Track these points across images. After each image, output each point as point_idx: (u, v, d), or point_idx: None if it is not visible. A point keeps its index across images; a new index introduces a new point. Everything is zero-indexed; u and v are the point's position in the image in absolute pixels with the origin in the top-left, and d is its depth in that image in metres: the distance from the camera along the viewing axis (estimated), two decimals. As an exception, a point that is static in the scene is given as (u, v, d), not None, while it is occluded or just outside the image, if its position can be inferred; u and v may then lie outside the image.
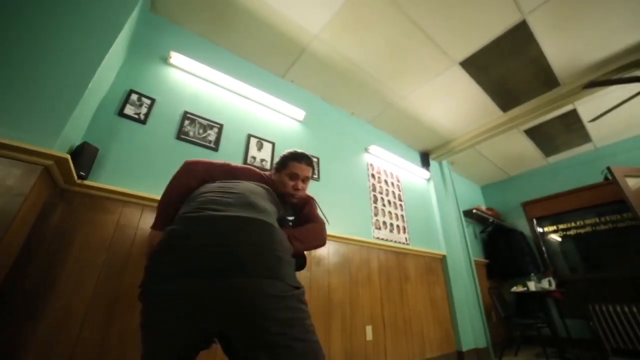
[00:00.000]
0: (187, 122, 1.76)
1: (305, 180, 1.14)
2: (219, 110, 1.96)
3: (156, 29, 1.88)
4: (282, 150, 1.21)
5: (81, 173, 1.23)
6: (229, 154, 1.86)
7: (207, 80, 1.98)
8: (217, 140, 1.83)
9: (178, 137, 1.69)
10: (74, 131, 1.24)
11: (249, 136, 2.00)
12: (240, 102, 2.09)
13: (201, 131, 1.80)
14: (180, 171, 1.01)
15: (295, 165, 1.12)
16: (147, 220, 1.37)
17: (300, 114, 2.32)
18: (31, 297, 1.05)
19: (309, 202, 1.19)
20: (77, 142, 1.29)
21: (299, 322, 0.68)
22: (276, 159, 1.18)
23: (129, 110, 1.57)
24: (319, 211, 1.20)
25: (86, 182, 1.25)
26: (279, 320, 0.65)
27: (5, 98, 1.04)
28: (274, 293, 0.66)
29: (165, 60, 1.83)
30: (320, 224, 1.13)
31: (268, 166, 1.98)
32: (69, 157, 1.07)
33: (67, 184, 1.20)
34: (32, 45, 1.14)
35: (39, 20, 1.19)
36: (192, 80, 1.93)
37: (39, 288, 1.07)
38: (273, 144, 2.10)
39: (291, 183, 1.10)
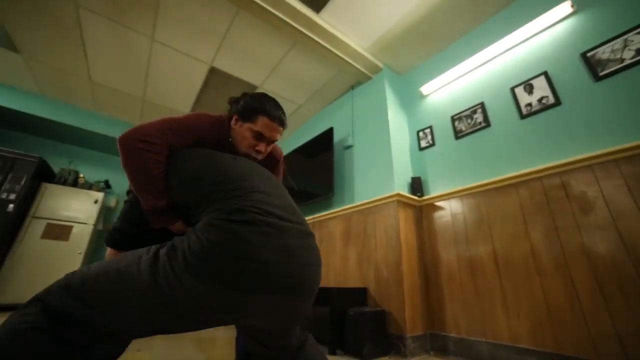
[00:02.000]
0: (456, 122, 2.18)
1: (270, 143, 0.94)
2: (471, 95, 2.15)
3: (401, 84, 2.72)
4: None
5: (418, 194, 2.19)
6: (503, 119, 1.90)
7: (446, 85, 2.33)
8: (486, 117, 2.00)
9: (457, 137, 2.15)
10: (404, 175, 2.27)
11: (512, 89, 1.88)
12: (476, 74, 2.13)
13: (469, 120, 2.10)
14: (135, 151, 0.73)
15: (265, 122, 0.88)
16: (455, 205, 1.93)
17: (564, 6, 1.70)
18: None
19: (278, 162, 1.02)
20: (408, 179, 2.31)
21: None
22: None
23: (423, 143, 2.40)
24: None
25: (423, 197, 2.17)
26: None
27: (372, 178, 2.34)
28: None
29: (421, 95, 2.52)
30: None
31: (551, 101, 1.67)
32: (401, 192, 2.08)
33: (416, 202, 2.19)
34: (368, 163, 2.47)
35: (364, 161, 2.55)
36: (439, 93, 2.39)
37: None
38: (544, 72, 1.74)
39: (252, 142, 0.89)
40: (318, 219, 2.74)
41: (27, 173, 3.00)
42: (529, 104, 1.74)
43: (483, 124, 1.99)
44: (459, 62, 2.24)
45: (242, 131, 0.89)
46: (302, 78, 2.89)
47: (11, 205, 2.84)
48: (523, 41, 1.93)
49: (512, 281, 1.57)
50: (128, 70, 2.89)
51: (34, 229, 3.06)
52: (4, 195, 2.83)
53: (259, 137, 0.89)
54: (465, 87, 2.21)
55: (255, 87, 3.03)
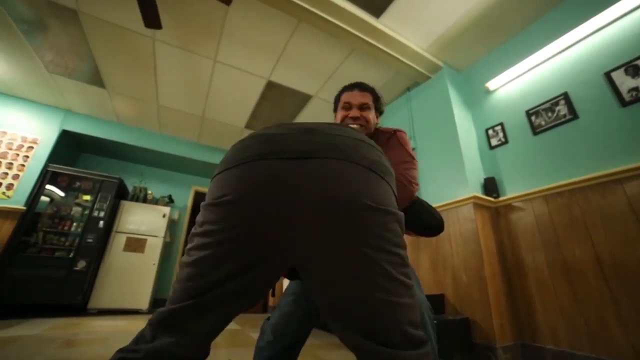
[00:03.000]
0: (533, 117, 2.04)
1: (364, 108, 0.95)
2: (549, 87, 1.99)
3: (462, 81, 2.60)
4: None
5: (494, 195, 2.07)
6: (595, 110, 1.74)
7: (517, 78, 2.19)
8: (571, 109, 1.84)
9: (535, 133, 2.01)
10: (475, 176, 2.17)
11: (607, 74, 1.71)
12: (555, 62, 1.98)
13: (550, 114, 1.95)
14: None
15: (345, 96, 0.97)
16: (539, 206, 1.79)
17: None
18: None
19: (392, 136, 0.95)
20: (481, 180, 2.20)
21: None
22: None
23: (494, 141, 2.27)
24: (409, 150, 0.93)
25: (500, 198, 2.05)
26: None
27: (442, 180, 2.27)
28: None
29: (487, 91, 2.40)
30: (399, 176, 0.82)
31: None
32: (476, 194, 1.99)
33: (492, 204, 2.08)
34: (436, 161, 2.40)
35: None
36: (508, 88, 2.25)
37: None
38: (648, 55, 1.56)
39: (344, 114, 0.95)
40: None
41: (110, 193, 3.37)
42: (635, 89, 1.57)
43: (568, 116, 1.84)
44: (531, 53, 2.09)
45: (338, 116, 1.00)
46: (357, 84, 2.90)
47: (101, 222, 3.19)
48: (619, 17, 1.72)
49: (627, 290, 1.42)
50: (191, 91, 3.12)
51: (118, 243, 3.41)
52: (95, 214, 3.20)
53: (347, 107, 0.97)
54: (541, 78, 2.06)
55: (310, 96, 3.11)
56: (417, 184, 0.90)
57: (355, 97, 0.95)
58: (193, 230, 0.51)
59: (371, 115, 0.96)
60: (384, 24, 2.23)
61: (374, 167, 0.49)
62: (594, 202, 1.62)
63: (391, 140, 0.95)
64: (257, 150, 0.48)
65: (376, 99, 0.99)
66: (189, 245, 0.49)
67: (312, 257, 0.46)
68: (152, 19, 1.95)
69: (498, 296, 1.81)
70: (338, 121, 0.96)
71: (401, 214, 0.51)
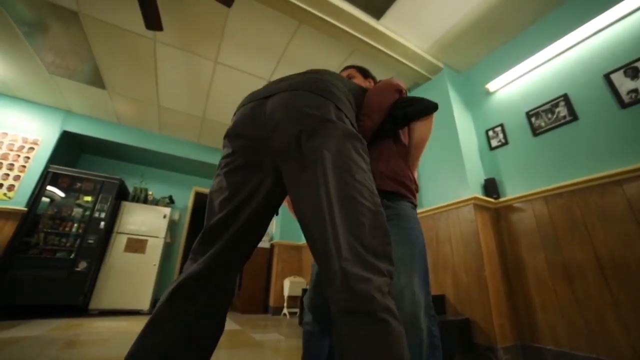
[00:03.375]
0: (533, 118, 2.05)
1: (349, 78, 1.11)
2: (549, 88, 2.00)
3: (463, 82, 2.61)
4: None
5: (494, 196, 2.08)
6: (595, 111, 1.75)
7: (516, 79, 2.20)
8: (571, 110, 1.85)
9: (535, 134, 2.01)
10: (476, 178, 2.18)
11: (606, 76, 1.72)
12: (555, 64, 1.98)
13: (550, 115, 1.96)
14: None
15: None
16: (539, 207, 1.80)
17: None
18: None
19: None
20: (481, 181, 2.20)
21: None
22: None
23: (494, 142, 2.28)
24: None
25: (500, 200, 2.06)
26: None
27: (442, 182, 2.28)
28: None
29: (487, 92, 2.41)
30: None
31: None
32: (477, 195, 1.99)
33: (492, 204, 2.09)
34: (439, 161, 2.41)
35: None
36: (508, 89, 2.26)
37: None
38: (648, 56, 1.57)
39: None
40: None
41: (111, 194, 3.37)
42: (634, 90, 1.57)
43: (568, 118, 1.85)
44: (531, 54, 2.10)
45: None
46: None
47: (102, 223, 3.19)
48: (619, 19, 1.73)
49: (627, 291, 1.43)
50: (191, 92, 3.12)
51: (118, 244, 3.42)
52: (96, 214, 3.20)
53: None
54: (541, 80, 2.07)
55: (309, 98, 3.11)
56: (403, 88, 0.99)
57: (343, 72, 1.17)
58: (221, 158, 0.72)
59: (357, 80, 1.13)
60: (384, 25, 2.24)
61: (314, 89, 0.66)
62: (594, 203, 1.63)
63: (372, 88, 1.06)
64: (247, 99, 0.71)
65: (361, 70, 1.18)
66: (217, 171, 0.70)
67: (281, 147, 0.61)
68: (153, 21, 1.95)
69: (498, 297, 1.82)
70: None
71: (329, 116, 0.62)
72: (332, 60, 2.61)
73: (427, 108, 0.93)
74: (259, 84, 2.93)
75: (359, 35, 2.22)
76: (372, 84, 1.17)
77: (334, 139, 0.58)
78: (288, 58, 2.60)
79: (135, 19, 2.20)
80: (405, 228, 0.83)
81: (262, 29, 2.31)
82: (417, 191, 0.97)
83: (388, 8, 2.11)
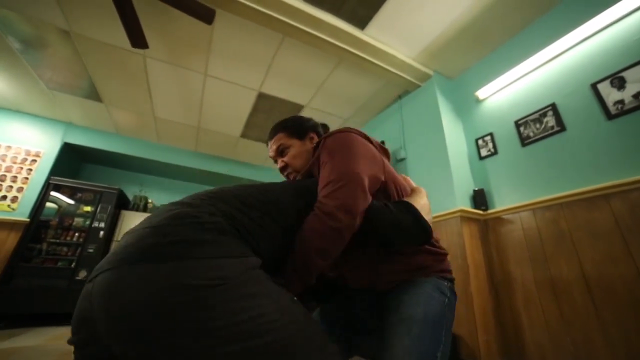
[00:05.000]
0: (521, 128, 2.00)
1: (282, 152, 0.87)
2: (538, 97, 1.94)
3: (454, 89, 2.56)
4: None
5: (482, 207, 2.04)
6: (582, 122, 1.69)
7: (506, 86, 2.15)
8: (559, 120, 1.79)
9: (523, 145, 1.96)
10: (465, 187, 2.14)
11: (593, 85, 1.66)
12: (543, 72, 1.94)
13: (538, 125, 1.91)
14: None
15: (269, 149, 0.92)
16: (527, 219, 1.75)
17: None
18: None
19: (316, 158, 0.76)
20: (470, 191, 2.16)
21: None
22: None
23: (484, 152, 2.23)
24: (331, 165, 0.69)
25: (488, 211, 2.02)
26: None
27: (430, 192, 2.25)
28: None
29: (477, 100, 2.36)
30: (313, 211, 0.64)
31: (648, 97, 1.43)
32: (464, 207, 1.96)
33: (481, 216, 2.04)
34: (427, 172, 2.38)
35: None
36: (498, 97, 2.20)
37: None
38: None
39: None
40: None
41: (110, 203, 3.45)
42: (620, 101, 1.52)
43: (556, 128, 1.79)
44: (519, 62, 2.04)
45: None
46: (348, 93, 2.89)
47: (102, 232, 3.28)
48: (605, 27, 1.67)
49: (613, 311, 1.38)
50: (185, 104, 3.17)
51: (118, 251, 3.49)
52: (96, 224, 3.29)
53: (275, 160, 0.92)
54: (529, 88, 2.01)
55: (301, 106, 3.12)
56: (333, 214, 0.61)
57: (271, 148, 0.90)
58: None
59: (292, 151, 0.86)
60: (369, 35, 2.22)
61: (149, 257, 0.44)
62: (581, 217, 1.58)
63: (321, 152, 0.75)
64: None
65: (291, 130, 0.88)
66: None
67: None
68: (137, 39, 1.99)
69: (484, 312, 1.79)
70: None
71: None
72: (319, 70, 2.60)
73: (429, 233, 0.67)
74: (250, 95, 2.96)
75: (344, 46, 2.21)
76: (315, 139, 0.90)
77: None
78: (276, 69, 2.60)
79: (124, 36, 2.24)
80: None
81: (248, 42, 2.33)
82: (339, 216, 0.62)
83: (371, 18, 2.09)
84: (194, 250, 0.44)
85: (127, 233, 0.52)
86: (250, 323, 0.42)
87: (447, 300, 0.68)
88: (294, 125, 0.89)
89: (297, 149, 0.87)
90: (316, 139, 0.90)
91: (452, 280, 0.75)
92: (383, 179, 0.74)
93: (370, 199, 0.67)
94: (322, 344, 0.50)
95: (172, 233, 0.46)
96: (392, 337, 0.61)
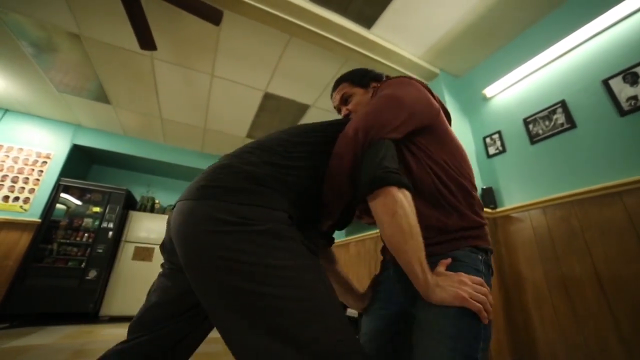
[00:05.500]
0: (530, 125, 1.98)
1: (346, 101, 0.89)
2: (547, 94, 1.92)
3: (460, 88, 2.54)
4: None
5: (491, 206, 2.03)
6: (594, 119, 1.67)
7: (514, 84, 2.12)
8: (569, 118, 1.77)
9: (532, 143, 1.94)
10: (472, 186, 2.12)
11: (605, 82, 1.63)
12: (552, 69, 1.91)
13: (547, 122, 1.89)
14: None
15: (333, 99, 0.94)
16: (537, 217, 1.74)
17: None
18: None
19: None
20: (479, 190, 2.14)
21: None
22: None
23: (492, 150, 2.22)
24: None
25: (497, 210, 2.00)
26: None
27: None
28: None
29: (484, 98, 2.34)
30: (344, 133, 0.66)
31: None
32: (473, 205, 1.95)
33: (490, 215, 2.03)
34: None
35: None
36: (506, 94, 2.18)
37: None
38: (649, 60, 1.49)
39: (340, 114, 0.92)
40: (371, 236, 2.70)
41: (119, 204, 3.50)
42: (633, 97, 1.49)
43: (566, 125, 1.77)
44: (527, 59, 2.03)
45: None
46: (352, 93, 2.89)
47: (110, 233, 3.32)
48: (617, 22, 1.64)
49: (627, 309, 1.36)
50: (191, 104, 3.20)
51: (126, 252, 3.54)
52: (105, 224, 3.33)
53: (338, 110, 0.94)
54: (538, 85, 1.99)
55: (307, 106, 3.13)
56: (362, 129, 0.62)
57: (335, 98, 0.92)
58: None
59: (356, 99, 0.87)
60: (375, 34, 2.22)
61: (199, 194, 0.57)
62: (593, 215, 1.56)
63: (373, 97, 0.79)
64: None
65: (354, 79, 0.90)
66: None
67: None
68: (146, 41, 2.01)
69: (495, 311, 1.76)
70: None
71: (254, 226, 0.51)
72: (326, 70, 2.61)
73: (372, 182, 0.57)
74: (256, 95, 2.98)
75: (351, 45, 2.21)
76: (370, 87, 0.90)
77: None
78: (282, 69, 2.62)
79: (132, 39, 2.27)
80: None
81: (254, 43, 2.34)
82: (357, 137, 0.63)
83: (378, 17, 2.09)
84: (227, 195, 0.54)
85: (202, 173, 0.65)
86: (255, 267, 0.47)
87: (483, 279, 0.57)
88: (358, 75, 0.90)
89: (360, 97, 0.87)
90: (370, 90, 0.89)
91: (487, 251, 0.63)
92: (435, 121, 0.71)
93: (403, 127, 0.65)
94: (331, 314, 0.49)
95: (215, 179, 0.58)
96: (423, 336, 0.54)
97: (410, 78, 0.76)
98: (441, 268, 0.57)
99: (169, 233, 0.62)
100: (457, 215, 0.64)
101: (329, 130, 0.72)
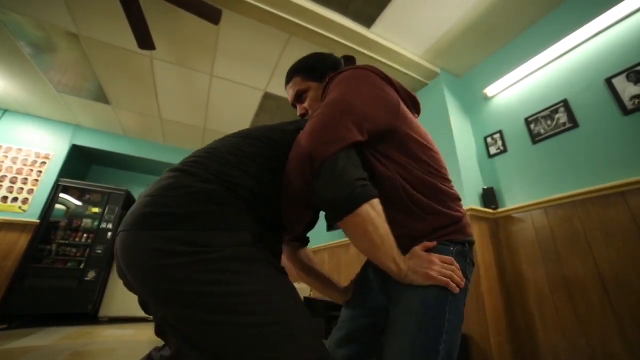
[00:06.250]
0: (532, 125, 1.96)
1: (300, 97, 0.80)
2: (548, 93, 1.90)
3: (461, 87, 2.53)
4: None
5: (492, 206, 2.01)
6: (596, 118, 1.65)
7: (515, 83, 2.11)
8: (571, 117, 1.75)
9: (534, 142, 1.93)
10: (473, 186, 2.11)
11: (608, 80, 1.62)
12: (554, 68, 1.89)
13: (549, 122, 1.87)
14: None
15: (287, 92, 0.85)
16: (539, 218, 1.72)
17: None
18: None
19: (325, 92, 0.70)
20: (479, 190, 2.13)
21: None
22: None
23: (493, 149, 2.20)
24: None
25: (498, 210, 1.99)
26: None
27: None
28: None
29: (485, 98, 2.32)
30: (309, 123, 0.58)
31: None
32: (474, 206, 1.93)
33: (491, 215, 2.01)
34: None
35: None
36: (507, 94, 2.17)
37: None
38: (651, 59, 1.47)
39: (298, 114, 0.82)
40: None
41: (118, 204, 3.49)
42: (637, 96, 1.47)
43: (568, 125, 1.76)
44: (528, 58, 2.01)
45: None
46: (352, 93, 2.88)
47: (109, 234, 3.31)
48: (621, 20, 1.62)
49: (632, 311, 1.34)
50: (191, 104, 3.18)
51: (126, 252, 3.52)
52: (104, 225, 3.32)
53: (293, 106, 0.86)
54: (539, 84, 1.97)
55: (306, 107, 3.11)
56: (307, 154, 0.53)
57: (289, 94, 0.83)
58: None
59: (310, 95, 0.79)
60: (375, 33, 2.20)
61: (142, 224, 0.50)
62: (596, 215, 1.54)
63: (328, 86, 0.69)
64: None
65: (307, 72, 0.80)
66: None
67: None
68: (145, 41, 2.00)
69: (496, 313, 1.76)
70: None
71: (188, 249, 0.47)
72: (325, 69, 2.59)
73: (337, 211, 0.53)
74: (255, 95, 2.96)
75: (351, 45, 2.20)
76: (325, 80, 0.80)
77: None
78: (282, 69, 2.60)
79: (131, 38, 2.25)
80: None
81: (254, 42, 2.33)
82: (313, 149, 0.54)
83: (378, 16, 2.07)
84: (179, 222, 0.48)
85: (139, 196, 0.58)
86: (220, 298, 0.44)
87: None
88: (310, 67, 0.81)
89: (314, 91, 0.78)
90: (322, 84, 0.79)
91: (463, 243, 0.63)
92: (394, 124, 0.64)
93: (358, 134, 0.56)
94: (305, 332, 0.48)
95: (163, 204, 0.50)
96: (397, 312, 0.59)
97: (365, 67, 0.69)
98: (418, 248, 0.60)
99: (117, 261, 0.53)
100: (430, 217, 0.62)
101: (287, 135, 0.65)
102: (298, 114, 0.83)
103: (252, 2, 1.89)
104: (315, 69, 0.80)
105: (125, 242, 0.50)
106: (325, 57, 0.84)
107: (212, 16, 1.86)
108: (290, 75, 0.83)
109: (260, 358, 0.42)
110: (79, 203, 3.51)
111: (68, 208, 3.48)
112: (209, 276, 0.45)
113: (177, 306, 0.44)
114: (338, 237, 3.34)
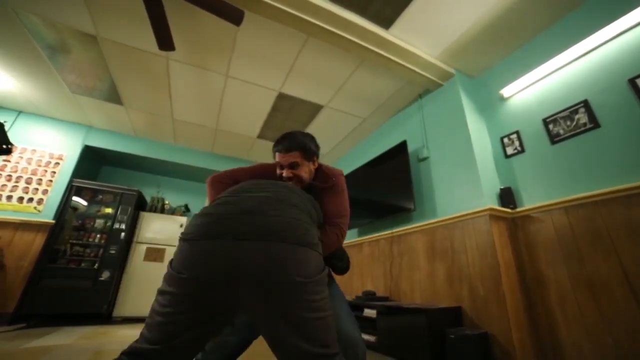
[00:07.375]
0: (550, 125, 1.97)
1: (293, 166, 1.07)
2: (568, 94, 1.91)
3: (476, 88, 2.54)
4: None
5: (511, 206, 2.02)
6: (619, 118, 1.66)
7: (532, 84, 2.12)
8: (592, 117, 1.77)
9: (553, 143, 1.94)
10: (491, 186, 2.12)
11: (631, 81, 1.62)
12: (574, 68, 1.90)
13: (569, 122, 1.88)
14: (208, 191, 1.14)
15: (277, 155, 1.10)
16: (559, 218, 1.73)
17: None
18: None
19: (327, 187, 1.08)
20: (497, 189, 2.14)
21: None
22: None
23: (510, 150, 2.21)
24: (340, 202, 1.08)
25: (517, 210, 2.00)
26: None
27: (457, 191, 2.23)
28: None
29: (501, 99, 2.34)
30: (334, 229, 1.02)
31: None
32: (493, 206, 1.94)
33: (509, 215, 2.02)
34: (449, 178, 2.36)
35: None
36: (524, 94, 2.18)
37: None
38: (675, 61, 1.48)
39: (280, 172, 1.09)
40: (397, 234, 2.70)
41: (130, 205, 3.50)
42: (660, 99, 1.49)
43: (589, 125, 1.77)
44: (547, 58, 2.02)
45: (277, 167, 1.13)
46: (368, 93, 2.89)
47: (122, 234, 3.32)
48: None
49: (658, 310, 1.35)
50: (204, 105, 3.20)
51: (138, 253, 3.55)
52: (117, 225, 3.33)
53: (280, 166, 1.10)
54: (559, 85, 1.98)
55: (320, 106, 3.12)
56: (344, 237, 1.06)
57: (284, 158, 1.07)
58: (162, 287, 0.66)
59: (303, 170, 1.08)
60: (393, 34, 2.21)
61: (302, 241, 0.69)
62: (620, 215, 1.55)
63: (334, 187, 1.07)
64: (205, 230, 0.67)
65: (305, 153, 1.08)
66: (162, 289, 0.65)
67: (255, 315, 0.68)
68: (165, 42, 2.01)
69: (517, 311, 1.77)
70: (278, 168, 1.12)
71: (323, 274, 0.73)
72: (341, 70, 2.60)
73: (347, 268, 1.14)
74: (270, 95, 2.97)
75: (368, 46, 2.21)
76: (316, 162, 1.15)
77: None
78: (297, 69, 2.61)
79: (148, 40, 2.27)
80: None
81: (271, 43, 2.34)
82: (342, 243, 1.11)
83: (397, 17, 2.09)
84: (317, 246, 0.76)
85: (228, 204, 0.76)
86: (322, 302, 0.70)
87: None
88: (310, 152, 1.11)
89: (306, 168, 1.09)
90: (317, 162, 1.16)
91: None
92: None
93: None
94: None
95: (307, 231, 0.74)
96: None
97: (341, 174, 1.15)
98: None
99: (224, 268, 0.63)
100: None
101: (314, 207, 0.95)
102: (284, 175, 1.07)
103: (272, 2, 1.90)
104: (310, 154, 1.11)
105: (292, 254, 0.67)
106: (315, 146, 1.15)
107: (235, 17, 1.88)
108: (291, 147, 1.07)
109: (330, 328, 0.71)
110: (92, 204, 3.52)
111: (78, 209, 3.49)
112: (323, 287, 0.73)
113: (300, 308, 0.65)
114: (351, 237, 3.35)
